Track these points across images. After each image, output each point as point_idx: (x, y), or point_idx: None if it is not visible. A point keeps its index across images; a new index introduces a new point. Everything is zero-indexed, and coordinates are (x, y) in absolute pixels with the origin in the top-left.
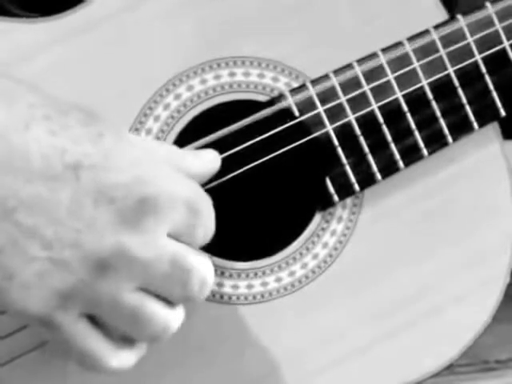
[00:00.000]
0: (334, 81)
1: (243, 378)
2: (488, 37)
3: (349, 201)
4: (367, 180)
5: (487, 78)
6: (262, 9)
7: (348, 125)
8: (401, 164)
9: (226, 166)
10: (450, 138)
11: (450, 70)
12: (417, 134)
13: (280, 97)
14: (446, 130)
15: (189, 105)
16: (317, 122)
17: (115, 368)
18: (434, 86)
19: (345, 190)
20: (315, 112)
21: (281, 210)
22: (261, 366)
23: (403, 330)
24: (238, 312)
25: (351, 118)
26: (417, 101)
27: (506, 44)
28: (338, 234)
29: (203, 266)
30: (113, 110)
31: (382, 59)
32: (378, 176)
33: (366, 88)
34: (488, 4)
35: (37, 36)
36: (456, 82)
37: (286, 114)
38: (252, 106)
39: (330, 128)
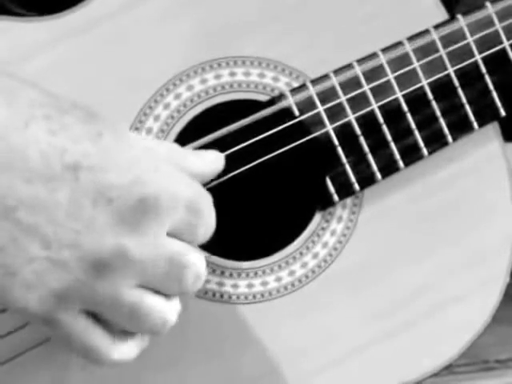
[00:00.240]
0: (334, 80)
1: (242, 376)
2: (488, 37)
3: (349, 200)
4: (367, 180)
5: (487, 77)
6: (263, 8)
7: (348, 124)
8: (401, 164)
9: (227, 165)
10: (449, 138)
11: (450, 70)
12: (417, 133)
13: (280, 96)
14: (445, 130)
15: (189, 104)
16: (317, 121)
17: (117, 360)
18: (434, 86)
19: (345, 190)
20: (315, 112)
21: (281, 210)
22: (260, 366)
23: (403, 329)
24: (237, 311)
25: (351, 117)
26: (417, 101)
27: (505, 44)
28: (337, 234)
29: (198, 262)
30: (113, 109)
31: (382, 59)
32: (378, 176)
33: (366, 88)
34: (488, 4)
35: (37, 35)
36: (456, 82)
37: (286, 113)
38: (252, 106)
39: (330, 128)
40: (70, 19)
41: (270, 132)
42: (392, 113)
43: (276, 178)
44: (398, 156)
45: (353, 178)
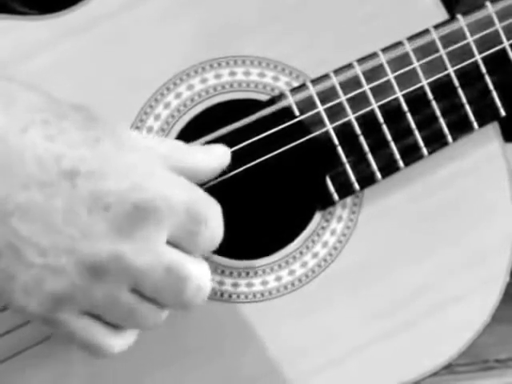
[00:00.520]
0: (335, 80)
1: (242, 375)
2: (488, 37)
3: (349, 200)
4: (367, 179)
5: (487, 77)
6: (263, 8)
7: (348, 124)
8: (401, 163)
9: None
10: (449, 138)
11: (450, 70)
12: (417, 133)
13: (280, 96)
14: (445, 130)
15: (189, 104)
16: (317, 121)
17: (117, 351)
18: (434, 86)
19: (345, 189)
20: (315, 111)
21: (281, 209)
22: (260, 365)
23: (403, 329)
24: (237, 310)
25: (351, 117)
26: (417, 100)
27: (505, 44)
28: (337, 234)
29: (200, 274)
30: (114, 108)
31: (382, 59)
32: (378, 175)
33: (366, 87)
34: (488, 4)
35: (37, 34)
36: (456, 82)
37: (287, 113)
38: (252, 105)
39: (330, 127)
40: (71, 18)
41: (270, 131)
42: (392, 112)
43: (276, 178)
44: (397, 156)
45: (353, 178)
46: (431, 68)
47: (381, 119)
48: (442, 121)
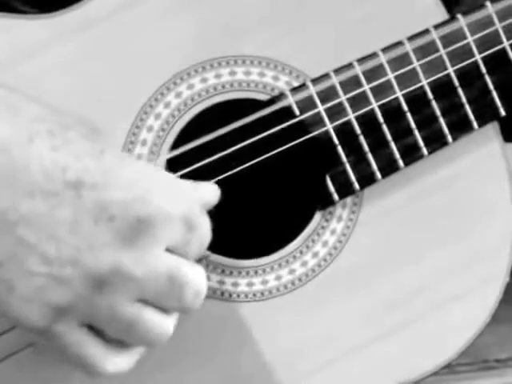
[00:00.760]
0: (335, 80)
1: (242, 374)
2: (488, 37)
3: (349, 200)
4: (367, 179)
5: (487, 77)
6: (263, 8)
7: (348, 124)
8: (401, 163)
9: (227, 164)
10: (449, 138)
11: (450, 70)
12: (417, 133)
13: (280, 96)
14: (445, 130)
15: (189, 103)
16: (317, 120)
17: (112, 373)
18: (434, 86)
19: (345, 189)
20: (315, 111)
21: (281, 209)
22: (259, 364)
23: (402, 329)
24: (237, 309)
25: (351, 117)
26: (417, 100)
27: (505, 44)
28: (337, 233)
29: (198, 279)
30: (114, 108)
31: (382, 59)
32: (378, 175)
33: (366, 87)
34: (488, 4)
35: (37, 34)
36: (456, 82)
37: (287, 112)
38: (252, 105)
39: (330, 127)
40: (71, 18)
41: (270, 131)
42: (392, 112)
43: (276, 177)
44: (397, 155)
45: (353, 178)
46: (431, 68)
47: (381, 119)
48: (441, 120)
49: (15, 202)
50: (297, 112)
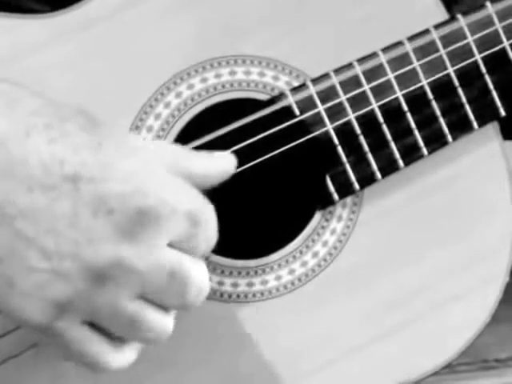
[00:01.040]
0: (335, 80)
1: (242, 375)
2: (488, 37)
3: (349, 200)
4: (367, 179)
5: (487, 77)
6: (263, 8)
7: (348, 124)
8: (401, 163)
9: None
10: (449, 138)
11: (450, 70)
12: (417, 133)
13: (280, 95)
14: (445, 130)
15: (189, 103)
16: (317, 120)
17: (114, 368)
18: (434, 86)
19: (345, 189)
20: (316, 111)
21: (281, 209)
22: (259, 364)
23: (402, 329)
24: (237, 310)
25: (351, 117)
26: (417, 100)
27: (505, 44)
28: (337, 233)
29: (200, 276)
30: (114, 108)
31: (383, 58)
32: (378, 175)
33: (366, 87)
34: (488, 4)
35: (38, 33)
36: (456, 82)
37: (287, 112)
38: (252, 105)
39: (330, 127)
40: (71, 18)
41: (270, 131)
42: (392, 112)
43: (276, 177)
44: (397, 155)
45: (353, 178)
46: (431, 68)
47: (381, 119)
48: (441, 120)
49: (13, 195)
50: (297, 112)
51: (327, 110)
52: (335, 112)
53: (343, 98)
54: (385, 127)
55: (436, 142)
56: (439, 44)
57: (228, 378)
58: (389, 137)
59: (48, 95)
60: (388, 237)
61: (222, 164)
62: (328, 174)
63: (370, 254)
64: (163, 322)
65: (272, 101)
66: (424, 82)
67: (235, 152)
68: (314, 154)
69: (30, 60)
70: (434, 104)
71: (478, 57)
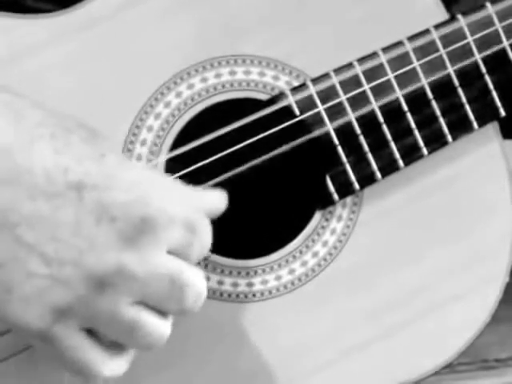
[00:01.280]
0: (335, 80)
1: (242, 375)
2: (488, 37)
3: (349, 199)
4: (367, 179)
5: (487, 77)
6: (263, 8)
7: (348, 124)
8: (401, 163)
9: (227, 164)
10: (449, 138)
11: (450, 70)
12: (417, 133)
13: (281, 95)
14: (445, 130)
15: (189, 103)
16: (317, 120)
17: (108, 377)
18: (434, 86)
19: (345, 189)
20: (316, 111)
21: (281, 209)
22: (259, 364)
23: (402, 329)
24: (237, 310)
25: (351, 116)
26: (417, 100)
27: (505, 44)
28: (337, 233)
29: (198, 282)
30: (114, 107)
31: (383, 58)
32: (378, 175)
33: (367, 87)
34: (488, 4)
35: (39, 33)
36: (456, 82)
37: (287, 112)
38: (252, 105)
39: (330, 127)
40: (71, 18)
41: (270, 131)
42: (392, 112)
43: (276, 177)
44: (397, 155)
45: (353, 177)
46: (431, 68)
47: (381, 119)
48: (441, 120)
49: (17, 203)
50: (297, 112)
51: (327, 110)
52: (335, 112)
53: (343, 97)
54: (385, 127)
55: (436, 142)
56: (439, 44)
57: (228, 377)
58: (389, 137)
59: (48, 95)
60: (388, 237)
61: (214, 202)
62: (328, 174)
63: (370, 253)
64: (161, 328)
65: (272, 101)
66: (424, 82)
67: (236, 152)
68: (314, 154)
69: (30, 60)
70: (434, 104)
71: (478, 57)
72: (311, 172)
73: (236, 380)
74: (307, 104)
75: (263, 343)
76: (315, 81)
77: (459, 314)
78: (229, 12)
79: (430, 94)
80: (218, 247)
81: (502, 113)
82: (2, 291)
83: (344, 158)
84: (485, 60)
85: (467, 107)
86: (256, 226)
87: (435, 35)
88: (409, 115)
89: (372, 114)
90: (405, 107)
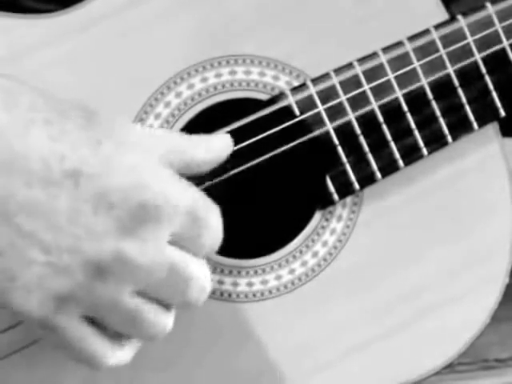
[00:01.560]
0: (335, 80)
1: (242, 375)
2: (488, 37)
3: (349, 200)
4: (367, 179)
5: (487, 77)
6: (263, 7)
7: (348, 124)
8: (400, 163)
9: (227, 164)
10: (449, 138)
11: (450, 70)
12: (417, 133)
13: (281, 95)
14: (445, 130)
15: (189, 103)
16: (317, 120)
17: (111, 365)
18: (434, 86)
19: (345, 189)
20: (316, 111)
21: (281, 208)
22: (259, 364)
23: (402, 329)
24: (237, 309)
25: (351, 117)
26: (417, 100)
27: (505, 44)
28: (337, 233)
29: (202, 275)
30: (114, 107)
31: (383, 58)
32: (378, 175)
33: (367, 87)
34: (488, 4)
35: (39, 32)
36: (456, 82)
37: (287, 112)
38: (253, 105)
39: (330, 127)
40: (72, 17)
41: (270, 131)
42: (392, 112)
43: (276, 177)
44: (397, 155)
45: (353, 178)
46: (431, 68)
47: (381, 119)
48: (441, 121)
49: (14, 191)
50: (297, 112)
51: (327, 110)
52: (335, 112)
53: (343, 97)
54: (385, 127)
55: (436, 142)
56: (439, 44)
57: (228, 377)
58: (389, 137)
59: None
60: (388, 237)
61: (220, 147)
62: (328, 174)
63: (370, 253)
64: (163, 319)
65: (272, 101)
66: (424, 82)
67: (236, 152)
68: (314, 154)
69: (30, 60)
70: (434, 104)
71: (478, 57)
72: (311, 172)
73: (236, 380)
74: (307, 104)
75: (263, 343)
76: (315, 81)
77: (459, 315)
78: (229, 12)
79: (430, 94)
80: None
81: (502, 113)
82: (4, 279)
83: (344, 158)
84: (485, 60)
85: (467, 107)
86: (256, 225)
87: (435, 35)
88: (409, 115)
89: (372, 114)
90: (405, 107)
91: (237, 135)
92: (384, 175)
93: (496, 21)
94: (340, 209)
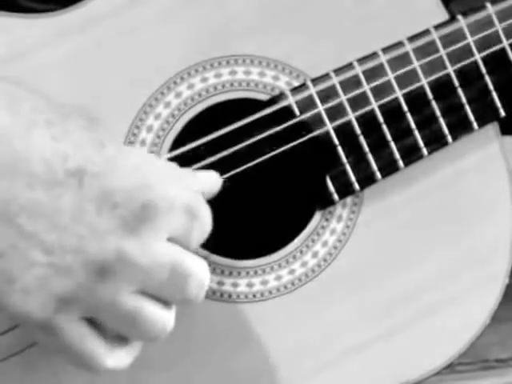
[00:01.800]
0: (335, 80)
1: (242, 375)
2: (488, 37)
3: (349, 200)
4: (367, 179)
5: (487, 78)
6: (263, 7)
7: (348, 124)
8: (400, 163)
9: (227, 164)
10: (449, 138)
11: (450, 70)
12: (417, 133)
13: (281, 95)
14: (445, 130)
15: (189, 103)
16: (317, 120)
17: (111, 368)
18: (434, 86)
19: (345, 189)
20: (316, 111)
21: (281, 209)
22: (259, 364)
23: (402, 329)
24: (237, 310)
25: (351, 117)
26: (417, 100)
27: (505, 44)
28: (337, 233)
29: (201, 271)
30: (114, 107)
31: (383, 58)
32: (378, 175)
33: (367, 87)
34: (488, 4)
35: (39, 32)
36: (456, 82)
37: (287, 112)
38: (253, 105)
39: (330, 127)
40: (72, 17)
41: (270, 131)
42: (392, 112)
43: (276, 177)
44: (397, 156)
45: (353, 178)
46: (431, 68)
47: (381, 119)
48: (441, 121)
49: (16, 192)
50: (297, 112)
51: (327, 110)
52: (335, 112)
53: (343, 97)
54: (385, 127)
55: (436, 142)
56: (439, 44)
57: (228, 378)
58: (389, 137)
59: (48, 95)
60: (388, 237)
61: (208, 183)
62: (328, 174)
63: (370, 253)
64: (164, 318)
65: (272, 101)
66: (424, 82)
67: (235, 152)
68: (314, 154)
69: (29, 59)
70: (434, 104)
71: (478, 57)
72: (311, 172)
73: (236, 380)
74: (307, 104)
75: (263, 343)
76: (315, 81)
77: (459, 315)
78: (229, 12)
79: (429, 95)
80: (218, 247)
81: (502, 113)
82: (3, 281)
83: (344, 158)
84: (485, 60)
85: (467, 107)
86: (256, 226)
87: (435, 35)
88: (409, 115)
89: (372, 114)
90: (405, 107)
91: (237, 135)
92: (384, 175)
93: (496, 21)
94: (340, 209)
